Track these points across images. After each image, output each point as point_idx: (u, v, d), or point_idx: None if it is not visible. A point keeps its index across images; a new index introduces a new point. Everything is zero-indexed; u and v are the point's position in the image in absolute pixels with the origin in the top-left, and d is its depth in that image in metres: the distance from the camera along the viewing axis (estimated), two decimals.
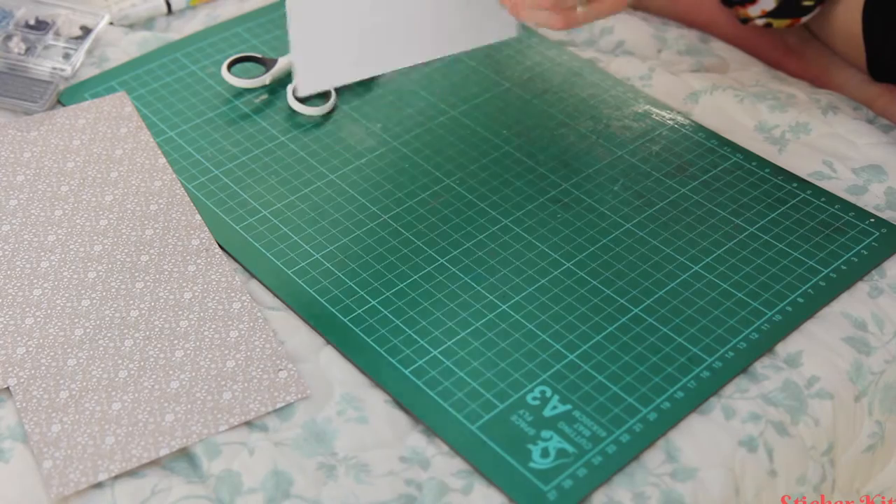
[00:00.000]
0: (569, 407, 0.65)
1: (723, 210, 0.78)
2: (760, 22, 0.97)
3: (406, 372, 0.67)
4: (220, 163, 0.82)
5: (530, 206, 0.78)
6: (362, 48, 0.78)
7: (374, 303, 0.71)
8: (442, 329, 0.69)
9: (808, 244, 0.76)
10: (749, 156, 0.83)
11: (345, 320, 0.70)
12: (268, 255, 0.75)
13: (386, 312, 0.70)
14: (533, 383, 0.66)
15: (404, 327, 0.69)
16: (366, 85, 0.90)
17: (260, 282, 0.73)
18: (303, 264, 0.74)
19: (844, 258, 0.75)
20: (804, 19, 0.97)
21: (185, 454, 0.63)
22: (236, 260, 0.75)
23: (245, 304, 0.71)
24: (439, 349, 0.68)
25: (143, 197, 0.79)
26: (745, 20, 0.98)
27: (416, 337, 0.69)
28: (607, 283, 0.73)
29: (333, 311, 0.70)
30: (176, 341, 0.69)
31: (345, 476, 0.62)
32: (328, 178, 0.81)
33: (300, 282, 0.72)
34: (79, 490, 0.61)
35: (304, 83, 0.76)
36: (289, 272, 0.73)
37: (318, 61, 0.77)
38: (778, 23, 0.97)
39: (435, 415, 0.64)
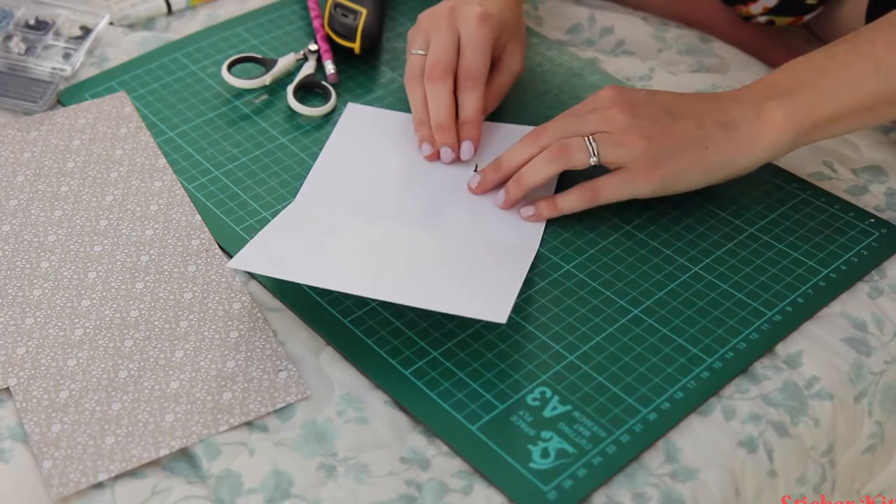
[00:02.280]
0: (569, 407, 0.65)
1: (722, 211, 0.78)
2: (762, 19, 0.97)
3: (406, 373, 0.67)
4: (219, 163, 0.82)
5: None
6: (331, 262, 0.71)
7: (374, 304, 0.71)
8: (442, 331, 0.69)
9: (807, 244, 0.76)
10: None
11: (345, 322, 0.70)
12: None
13: (386, 314, 0.70)
14: (533, 384, 0.66)
15: (405, 329, 0.69)
16: (366, 87, 0.90)
17: (260, 283, 0.73)
18: None
19: (844, 258, 0.75)
20: (806, 18, 0.97)
21: (185, 454, 0.63)
22: None
23: (245, 304, 0.71)
24: (439, 350, 0.68)
25: (143, 197, 0.79)
26: (747, 18, 0.98)
27: (416, 338, 0.69)
28: (606, 285, 0.73)
29: (334, 312, 0.70)
30: (176, 341, 0.69)
31: (345, 476, 0.62)
32: None
33: (300, 284, 0.72)
34: (79, 490, 0.61)
35: (244, 259, 0.69)
36: None
37: (276, 248, 0.71)
38: (780, 20, 0.97)
39: (435, 415, 0.64)
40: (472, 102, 0.79)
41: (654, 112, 0.74)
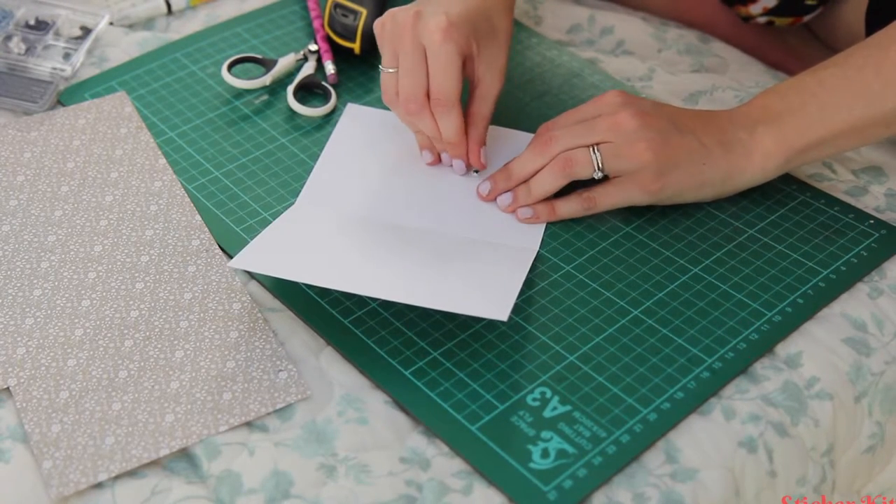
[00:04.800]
0: (569, 408, 0.65)
1: (722, 212, 0.78)
2: (762, 20, 0.97)
3: (406, 373, 0.67)
4: (220, 164, 0.82)
5: None
6: (331, 262, 0.71)
7: (374, 305, 0.71)
8: (442, 331, 0.69)
9: (807, 246, 0.76)
10: None
11: (345, 322, 0.70)
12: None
13: (386, 314, 0.70)
14: (533, 384, 0.66)
15: (405, 329, 0.69)
16: (366, 87, 0.90)
17: (260, 283, 0.73)
18: None
19: (844, 259, 0.75)
20: (806, 18, 0.97)
21: (185, 454, 0.63)
22: None
23: (245, 304, 0.71)
24: (439, 350, 0.68)
25: (143, 197, 0.79)
26: (747, 18, 0.98)
27: (416, 339, 0.69)
28: (606, 286, 0.73)
29: (334, 312, 0.70)
30: (176, 342, 0.69)
31: (345, 476, 0.62)
32: None
33: (300, 284, 0.72)
34: (79, 490, 0.61)
35: (244, 259, 0.68)
36: None
37: (277, 248, 0.71)
38: (780, 21, 0.97)
39: (435, 416, 0.64)
40: (448, 127, 0.76)
41: (662, 123, 0.74)
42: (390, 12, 0.76)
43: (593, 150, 0.74)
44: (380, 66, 0.78)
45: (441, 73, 0.74)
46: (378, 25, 0.77)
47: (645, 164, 0.73)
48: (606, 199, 0.76)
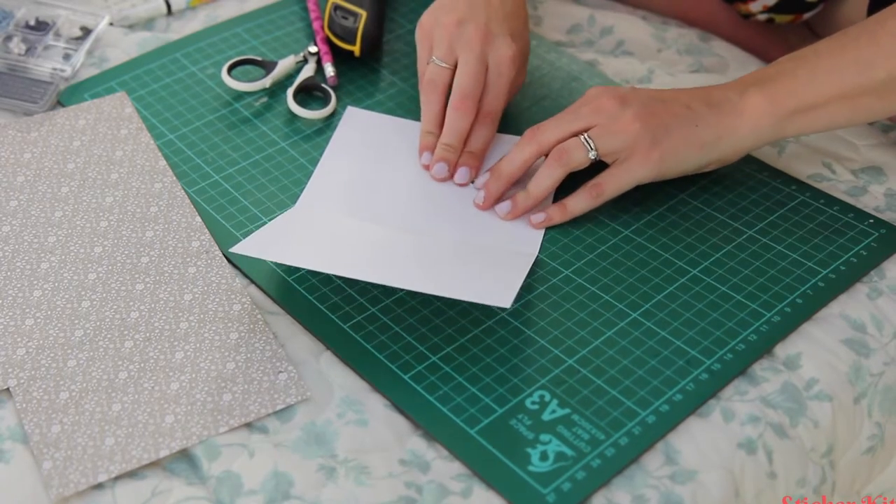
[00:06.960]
0: (567, 411, 0.65)
1: (721, 213, 0.78)
2: (762, 17, 0.97)
3: (405, 377, 0.67)
4: (220, 168, 0.82)
5: None
6: (336, 252, 0.72)
7: (373, 310, 0.71)
8: (441, 335, 0.69)
9: (806, 246, 0.76)
10: (748, 158, 0.83)
11: (344, 327, 0.70)
12: (268, 261, 0.74)
13: (385, 319, 0.70)
14: (532, 388, 0.66)
15: (404, 334, 0.69)
16: (366, 90, 0.90)
17: (259, 287, 0.73)
18: (302, 271, 0.74)
19: (843, 259, 0.75)
20: (806, 16, 0.97)
21: (185, 455, 0.64)
22: (236, 266, 0.74)
23: (245, 305, 0.71)
24: (438, 355, 0.68)
25: (143, 198, 0.79)
26: (747, 16, 0.98)
27: (415, 343, 0.69)
28: (605, 289, 0.73)
29: (333, 317, 0.70)
30: (176, 343, 0.69)
31: (345, 478, 0.62)
32: None
33: (300, 288, 0.72)
34: (79, 491, 0.61)
35: (250, 245, 0.70)
36: (289, 279, 0.73)
37: (284, 236, 0.72)
38: (780, 18, 0.97)
39: (434, 420, 0.64)
40: (483, 137, 0.80)
41: (642, 98, 0.76)
42: (449, 17, 0.81)
43: (583, 136, 0.75)
44: (433, 59, 0.80)
45: (498, 93, 0.81)
46: (431, 24, 0.82)
47: (636, 134, 0.74)
48: (612, 183, 0.76)
